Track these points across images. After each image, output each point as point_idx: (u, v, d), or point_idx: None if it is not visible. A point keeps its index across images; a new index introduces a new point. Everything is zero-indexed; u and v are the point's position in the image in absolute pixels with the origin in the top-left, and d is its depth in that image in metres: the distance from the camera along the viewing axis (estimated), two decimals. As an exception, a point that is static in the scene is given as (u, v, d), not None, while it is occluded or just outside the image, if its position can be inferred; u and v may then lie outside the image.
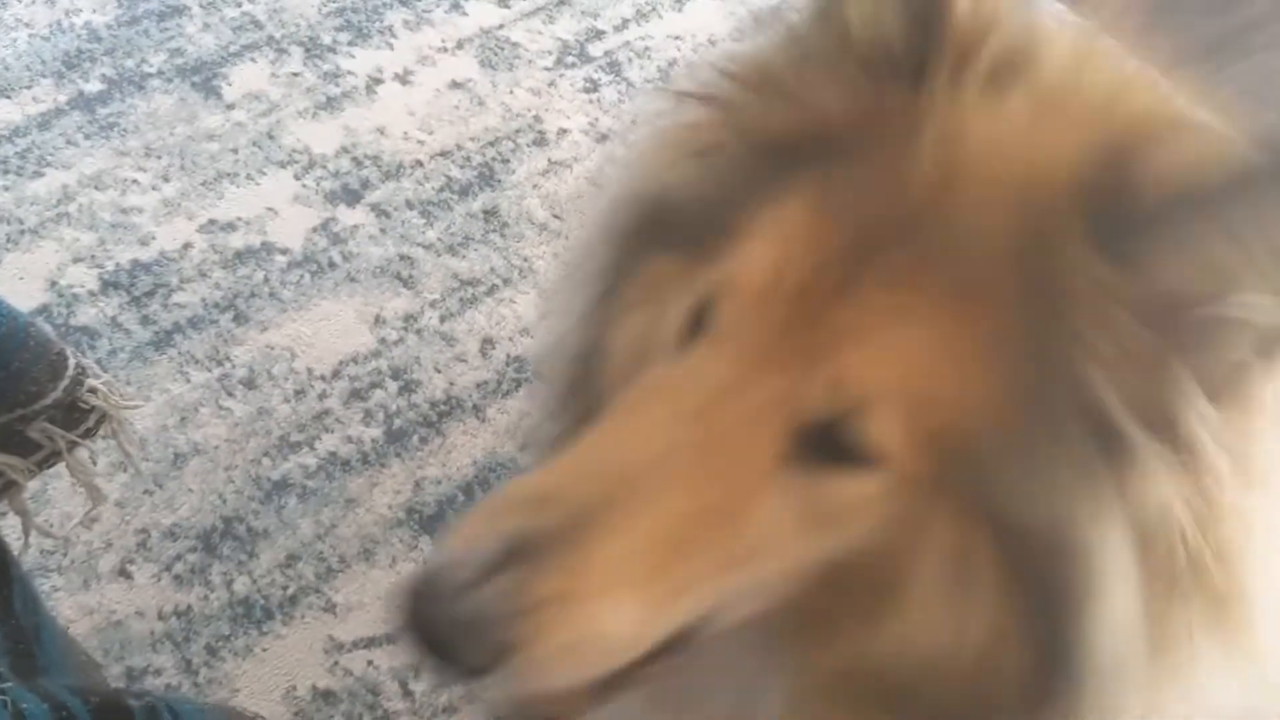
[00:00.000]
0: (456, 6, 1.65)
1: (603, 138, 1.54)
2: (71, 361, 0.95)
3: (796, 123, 0.52)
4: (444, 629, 0.46)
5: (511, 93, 1.57)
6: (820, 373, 0.48)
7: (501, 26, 1.64)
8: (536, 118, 1.55)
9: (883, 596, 0.51)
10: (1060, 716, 0.50)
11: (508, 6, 1.66)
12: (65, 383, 0.94)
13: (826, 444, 0.49)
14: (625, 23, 1.66)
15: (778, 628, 0.54)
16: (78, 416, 0.97)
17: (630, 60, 1.61)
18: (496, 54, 1.61)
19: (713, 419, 0.49)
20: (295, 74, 1.55)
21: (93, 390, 0.97)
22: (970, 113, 0.50)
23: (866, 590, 0.51)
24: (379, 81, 1.56)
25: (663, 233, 0.57)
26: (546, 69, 1.60)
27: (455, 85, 1.57)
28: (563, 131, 1.54)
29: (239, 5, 1.61)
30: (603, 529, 0.47)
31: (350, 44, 1.59)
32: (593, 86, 1.58)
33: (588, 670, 0.48)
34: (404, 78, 1.57)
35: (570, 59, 1.61)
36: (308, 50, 1.58)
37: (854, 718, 0.56)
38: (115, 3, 1.59)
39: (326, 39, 1.59)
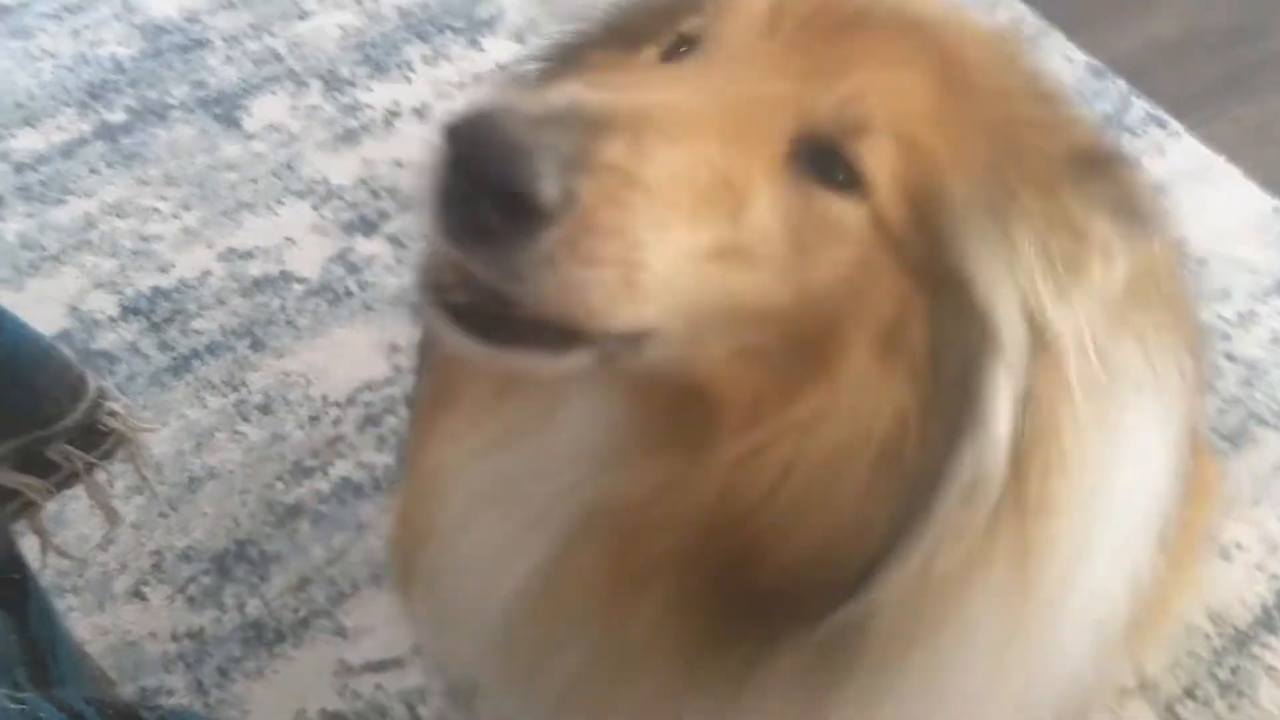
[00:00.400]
0: (473, 42, 1.68)
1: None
2: (91, 384, 0.97)
3: None
4: (504, 148, 0.42)
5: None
6: (831, 87, 0.52)
7: (518, 61, 1.67)
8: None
9: (820, 359, 0.53)
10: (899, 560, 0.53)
11: (524, 42, 1.69)
12: (85, 405, 0.96)
13: (823, 164, 0.52)
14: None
15: (676, 409, 0.55)
16: (96, 439, 0.99)
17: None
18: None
19: (729, 99, 0.50)
20: (314, 106, 1.58)
21: (111, 413, 0.99)
22: None
23: (809, 349, 0.53)
24: (396, 115, 1.58)
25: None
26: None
27: (471, 119, 1.59)
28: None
29: (260, 39, 1.64)
30: (654, 139, 0.47)
31: (369, 78, 1.62)
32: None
33: (615, 285, 0.47)
34: (421, 111, 1.59)
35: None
36: (327, 83, 1.61)
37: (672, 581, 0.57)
38: (139, 35, 1.62)
39: (345, 72, 1.62)
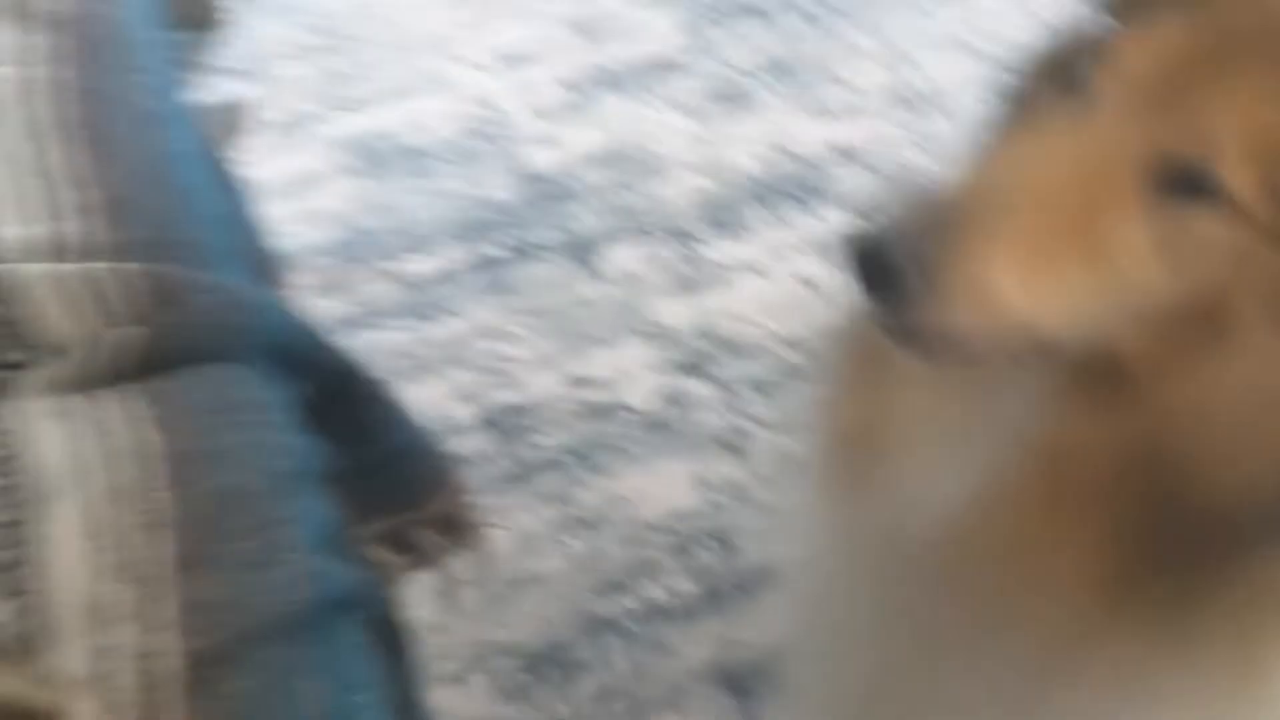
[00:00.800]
0: (811, 210, 1.79)
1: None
2: (456, 477, 1.10)
3: None
4: (886, 257, 0.56)
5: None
6: (1187, 120, 0.58)
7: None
8: (877, 316, 1.64)
9: (1208, 337, 0.59)
10: None
11: (857, 214, 1.78)
12: (449, 495, 1.09)
13: (1187, 184, 0.57)
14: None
15: (1100, 374, 0.62)
16: (453, 528, 1.11)
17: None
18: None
19: (1088, 147, 0.58)
20: (662, 256, 1.72)
21: (469, 506, 1.11)
22: None
23: (1197, 331, 0.59)
24: (735, 270, 1.71)
25: None
26: (891, 273, 1.70)
27: (806, 282, 1.70)
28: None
29: (621, 195, 1.82)
30: (1001, 219, 0.57)
31: (713, 235, 1.76)
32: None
33: (981, 318, 0.57)
34: (759, 269, 1.71)
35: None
36: (676, 237, 1.75)
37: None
38: (520, 183, 1.83)
39: (692, 228, 1.76)
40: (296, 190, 1.80)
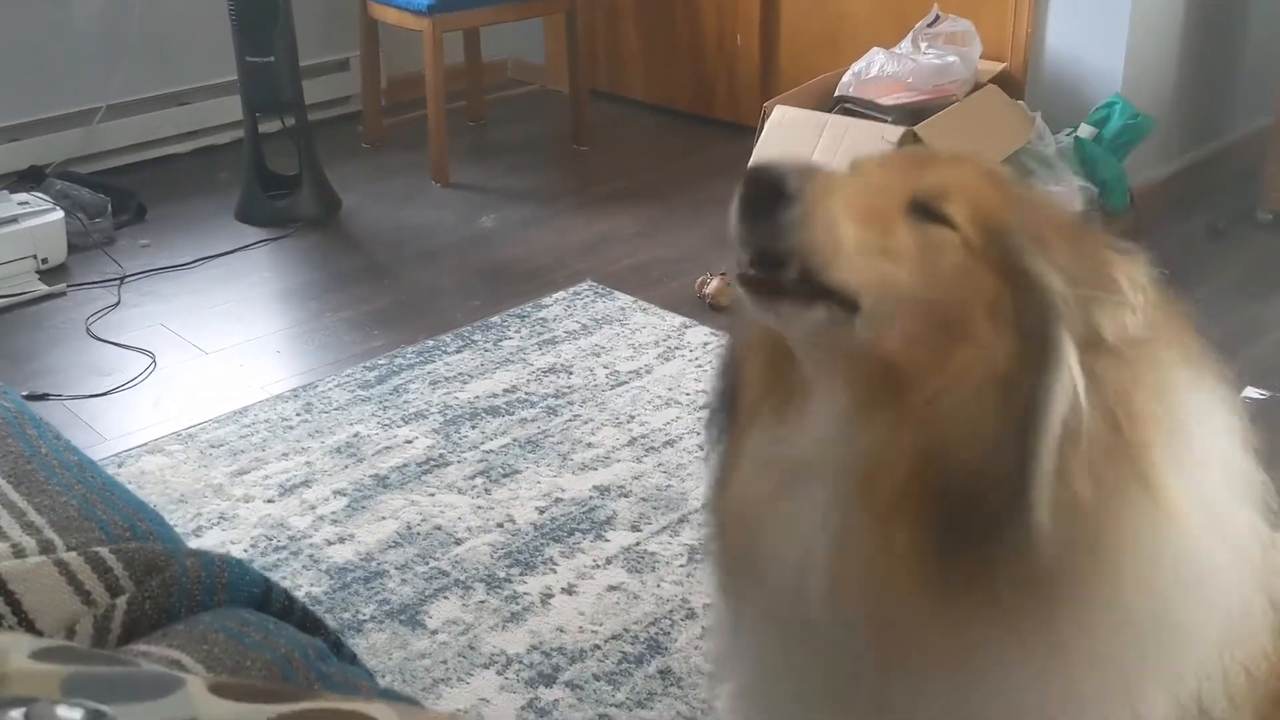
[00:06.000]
0: (600, 536, 2.02)
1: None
2: None
3: None
4: (772, 176, 0.82)
5: (659, 586, 1.89)
6: (924, 179, 0.88)
7: (638, 543, 2.00)
8: (684, 600, 1.86)
9: (959, 329, 0.85)
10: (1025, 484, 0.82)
11: (640, 530, 2.03)
12: None
13: (925, 214, 0.87)
14: (736, 527, 2.02)
15: (880, 383, 0.87)
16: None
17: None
18: (640, 562, 1.95)
19: (868, 183, 0.89)
20: (481, 601, 1.87)
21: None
22: None
23: (951, 323, 0.85)
24: (550, 596, 1.88)
25: None
26: (682, 566, 1.93)
27: (612, 589, 1.89)
28: (707, 605, 1.83)
29: (427, 562, 1.97)
30: (844, 193, 0.86)
31: (521, 575, 1.93)
32: (723, 573, 1.90)
33: (830, 245, 0.83)
34: (570, 590, 1.89)
35: (699, 556, 1.95)
36: (488, 584, 1.91)
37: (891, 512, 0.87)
38: (328, 576, 1.95)
39: (501, 574, 1.93)
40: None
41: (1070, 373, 0.82)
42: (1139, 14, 3.12)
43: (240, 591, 1.03)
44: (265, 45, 3.29)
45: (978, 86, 3.15)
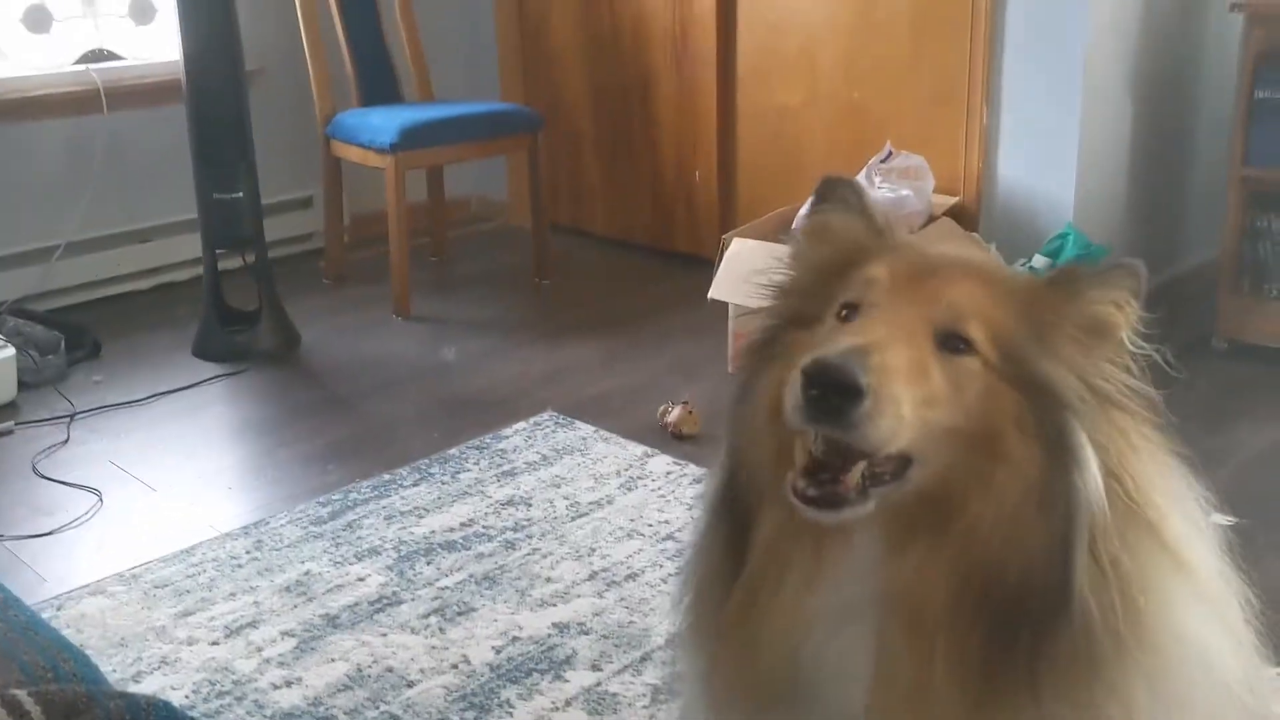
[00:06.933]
0: (559, 676, 1.94)
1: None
2: None
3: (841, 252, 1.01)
4: (842, 378, 0.82)
5: (620, 728, 1.81)
6: (939, 304, 0.90)
7: (599, 683, 1.92)
8: (647, 742, 1.77)
9: (993, 450, 0.88)
10: (1068, 572, 0.87)
11: (601, 669, 1.95)
12: None
13: (951, 342, 0.88)
14: (700, 664, 1.95)
15: (919, 517, 0.90)
16: None
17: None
18: (601, 703, 1.87)
19: (901, 327, 0.88)
20: (434, 747, 1.78)
21: None
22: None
23: (986, 445, 0.88)
24: (506, 741, 1.79)
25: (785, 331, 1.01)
26: (645, 707, 1.86)
27: (572, 731, 1.81)
28: (672, 749, 1.75)
29: (377, 706, 1.88)
30: (884, 353, 0.86)
31: (476, 719, 1.85)
32: None
33: (895, 424, 0.85)
34: (526, 733, 1.80)
35: (663, 696, 1.87)
36: (441, 729, 1.82)
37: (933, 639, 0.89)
38: (273, 724, 1.86)
39: (455, 718, 1.85)
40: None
41: (1094, 465, 0.87)
42: (1087, 146, 3.20)
43: None
44: (231, 181, 3.31)
45: (932, 219, 3.20)
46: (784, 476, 0.93)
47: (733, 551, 0.98)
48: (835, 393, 0.82)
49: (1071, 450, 0.87)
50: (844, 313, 0.95)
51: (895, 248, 0.99)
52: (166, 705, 1.00)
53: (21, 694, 0.94)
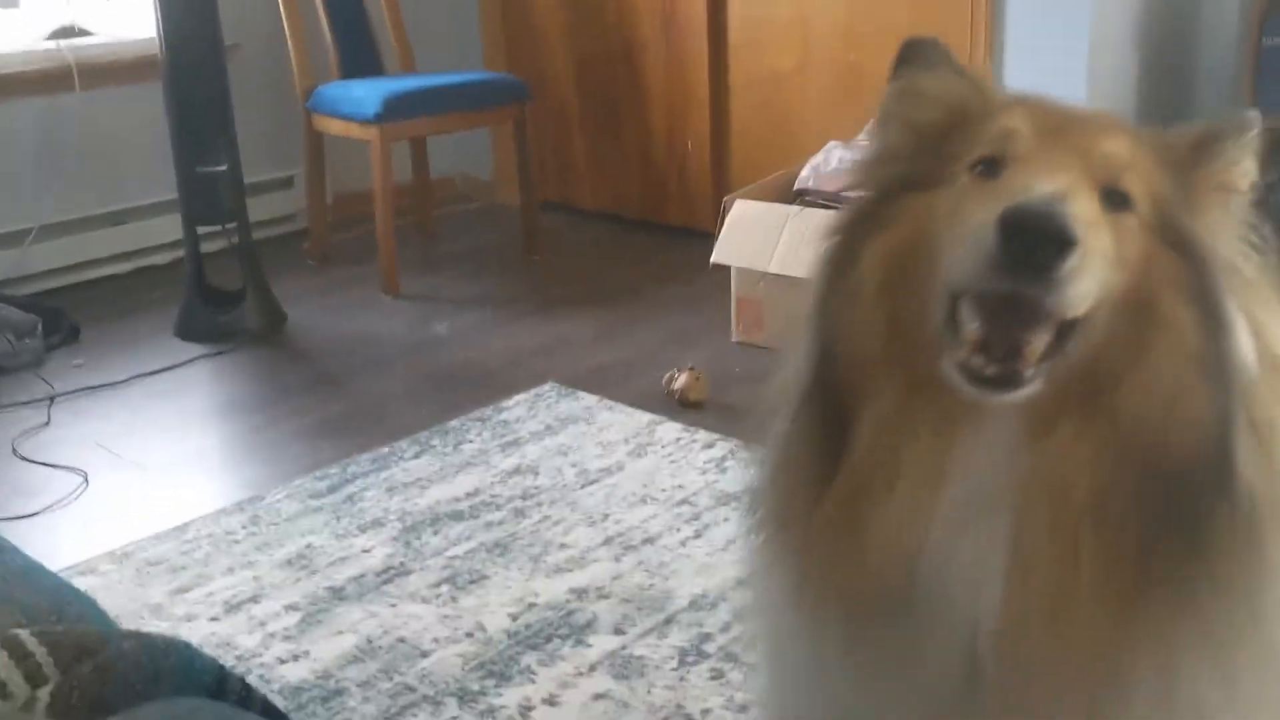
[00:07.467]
0: (581, 641, 1.84)
1: (742, 709, 1.66)
2: None
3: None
4: (1048, 220, 0.74)
5: (649, 692, 1.72)
6: (1095, 158, 0.82)
7: (624, 647, 1.83)
8: (679, 705, 1.68)
9: (1150, 314, 0.80)
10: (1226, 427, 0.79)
11: (624, 633, 1.86)
12: None
13: (1113, 199, 0.81)
14: (727, 625, 1.86)
15: (1069, 394, 0.82)
16: None
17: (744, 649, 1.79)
18: (626, 666, 1.78)
19: (1067, 180, 0.79)
20: (454, 717, 1.68)
21: None
22: None
23: (1143, 310, 0.81)
24: (530, 708, 1.69)
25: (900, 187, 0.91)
26: (674, 669, 1.76)
27: (599, 697, 1.71)
28: (705, 711, 1.66)
29: (391, 678, 1.78)
30: (1075, 207, 0.78)
31: (496, 687, 1.75)
32: (719, 674, 1.74)
33: (1092, 283, 0.78)
34: (551, 700, 1.71)
35: (691, 658, 1.78)
36: (460, 699, 1.72)
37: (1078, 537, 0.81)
38: (281, 698, 1.75)
39: (474, 687, 1.75)
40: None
41: (1244, 328, 0.81)
42: (1093, 104, 3.13)
43: (189, 679, 0.86)
44: (213, 155, 3.19)
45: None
46: (895, 357, 0.85)
47: (825, 450, 0.88)
48: (1044, 244, 0.74)
49: (1225, 314, 0.81)
50: (980, 168, 0.86)
51: (1016, 99, 0.90)
52: (186, 645, 0.90)
53: (24, 634, 0.84)
